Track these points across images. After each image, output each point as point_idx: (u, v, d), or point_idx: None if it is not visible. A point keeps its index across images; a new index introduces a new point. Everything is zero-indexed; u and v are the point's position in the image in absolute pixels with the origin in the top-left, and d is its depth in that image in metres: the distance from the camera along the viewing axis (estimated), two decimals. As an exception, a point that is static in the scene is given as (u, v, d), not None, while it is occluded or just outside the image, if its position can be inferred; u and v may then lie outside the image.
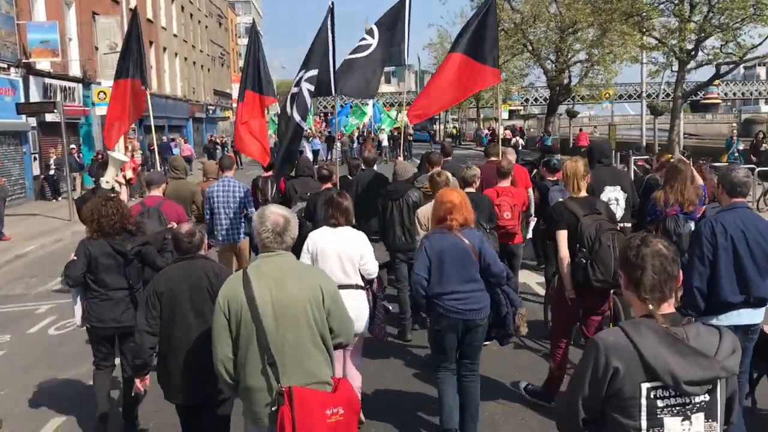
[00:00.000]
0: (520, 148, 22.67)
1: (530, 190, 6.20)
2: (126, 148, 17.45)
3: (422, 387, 4.38)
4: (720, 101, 56.63)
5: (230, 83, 41.54)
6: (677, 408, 1.66)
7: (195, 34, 33.97)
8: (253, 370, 2.32)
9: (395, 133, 26.08)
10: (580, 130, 28.20)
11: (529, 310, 4.56)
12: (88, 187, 13.69)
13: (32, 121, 16.05)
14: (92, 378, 3.93)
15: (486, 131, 35.19)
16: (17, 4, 15.70)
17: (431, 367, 4.01)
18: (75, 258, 3.68)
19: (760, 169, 11.13)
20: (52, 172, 16.20)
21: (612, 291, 3.82)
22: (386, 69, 6.76)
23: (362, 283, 3.68)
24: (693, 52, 15.02)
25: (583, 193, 3.79)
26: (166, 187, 5.31)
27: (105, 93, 14.93)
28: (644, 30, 15.74)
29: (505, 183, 5.53)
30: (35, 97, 16.03)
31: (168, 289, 2.99)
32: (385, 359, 4.90)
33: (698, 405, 1.66)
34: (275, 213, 2.41)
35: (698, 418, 1.66)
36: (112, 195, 4.11)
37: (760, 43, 14.44)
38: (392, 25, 6.06)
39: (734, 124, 31.16)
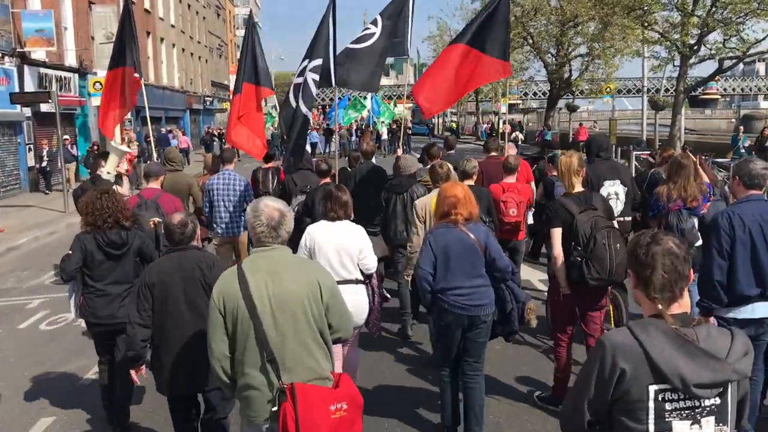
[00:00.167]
0: (520, 142, 22.60)
1: (532, 183, 6.16)
2: (122, 139, 17.30)
3: (422, 383, 4.33)
4: (719, 97, 56.60)
5: (228, 75, 41.30)
6: (686, 411, 1.60)
7: (193, 24, 33.70)
8: (252, 368, 2.26)
9: (394, 126, 25.95)
10: (580, 124, 28.12)
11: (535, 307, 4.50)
12: (84, 179, 13.58)
13: (27, 112, 15.89)
14: (98, 373, 3.94)
15: (485, 125, 35.10)
16: (12, -8, 15.52)
17: (433, 366, 3.96)
18: (70, 252, 3.63)
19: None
20: (44, 164, 16.03)
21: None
22: (387, 60, 6.61)
23: (362, 278, 3.63)
24: (695, 47, 14.93)
25: (578, 189, 3.73)
26: (164, 179, 5.26)
27: (101, 83, 14.73)
28: (646, 24, 15.63)
29: (511, 179, 5.47)
30: (30, 87, 15.86)
31: (160, 280, 2.93)
32: (384, 354, 4.85)
33: (708, 409, 1.61)
34: (270, 207, 2.34)
35: (708, 422, 1.61)
36: (111, 188, 4.03)
37: (764, 38, 14.34)
38: (395, 15, 5.94)
39: (733, 120, 31.15)
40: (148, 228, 4.32)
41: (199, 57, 35.24)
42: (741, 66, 21.78)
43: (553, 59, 24.10)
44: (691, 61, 15.34)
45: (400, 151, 8.73)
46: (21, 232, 10.75)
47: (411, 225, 5.05)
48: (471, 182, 5.04)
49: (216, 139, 25.53)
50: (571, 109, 30.63)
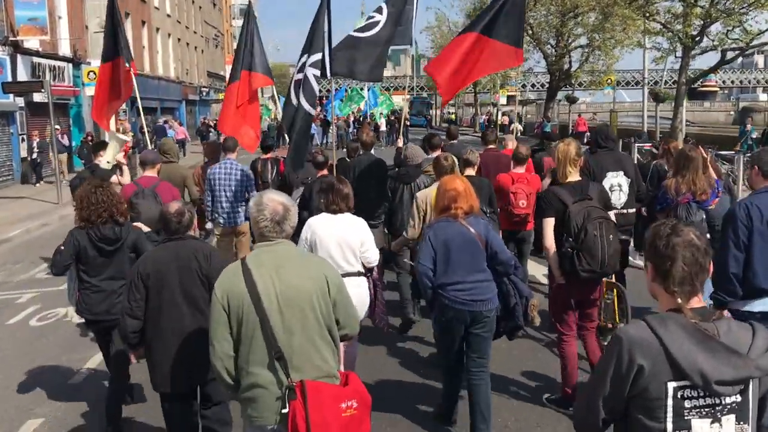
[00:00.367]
0: (519, 134, 22.46)
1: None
2: (117, 129, 17.13)
3: (423, 378, 4.27)
4: (717, 89, 56.55)
5: (224, 65, 40.96)
6: (706, 409, 1.55)
7: (189, 14, 33.36)
8: (259, 366, 2.17)
9: (392, 118, 25.81)
10: (579, 116, 28.07)
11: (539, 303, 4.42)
12: (79, 169, 13.40)
13: (20, 101, 15.70)
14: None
15: (483, 117, 34.96)
16: (4, -21, 15.26)
17: (435, 365, 3.90)
18: (63, 247, 3.56)
19: None
20: (34, 155, 15.73)
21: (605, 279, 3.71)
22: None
23: (363, 270, 3.59)
24: (698, 38, 14.81)
25: (574, 178, 3.65)
26: (160, 168, 5.18)
27: (95, 73, 14.56)
28: (648, 14, 15.50)
29: (520, 169, 5.40)
30: (23, 76, 15.66)
31: (155, 270, 2.85)
32: (384, 348, 4.79)
33: (729, 406, 1.55)
34: (274, 200, 2.26)
35: (729, 420, 1.55)
36: (106, 180, 3.94)
37: (767, 29, 14.22)
38: (401, 2, 5.82)
39: (732, 113, 31.13)
40: (146, 216, 4.24)
41: (195, 47, 34.92)
42: (739, 58, 21.66)
43: (553, 50, 23.95)
44: (694, 52, 15.24)
45: (400, 142, 8.64)
46: (12, 224, 10.59)
47: None
48: (472, 172, 5.00)
49: (212, 130, 25.35)
50: (571, 100, 30.51)
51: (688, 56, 15.34)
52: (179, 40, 31.03)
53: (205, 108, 36.80)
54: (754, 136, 14.50)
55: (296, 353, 2.18)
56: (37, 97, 15.44)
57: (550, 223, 3.54)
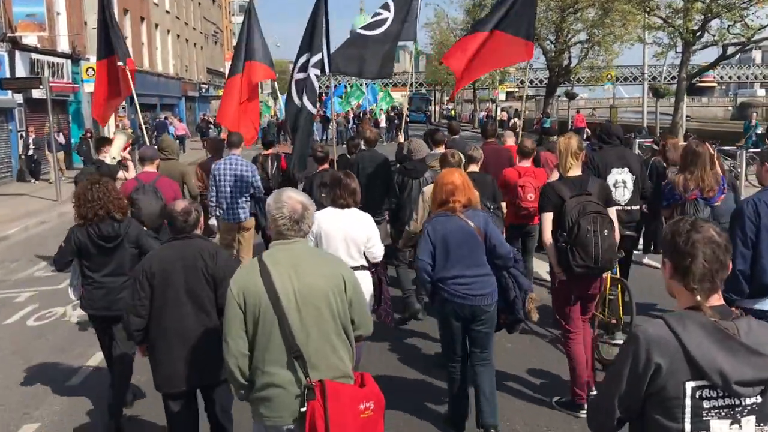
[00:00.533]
0: (518, 130, 22.41)
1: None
2: (116, 126, 17.07)
3: (428, 375, 4.24)
4: (716, 85, 56.51)
5: (224, 62, 40.78)
6: (725, 410, 1.51)
7: (188, 10, 33.19)
8: (275, 366, 2.14)
9: (392, 114, 25.74)
10: (577, 111, 27.99)
11: (540, 298, 4.40)
12: (79, 166, 13.35)
13: (18, 98, 15.61)
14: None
15: (482, 113, 34.88)
16: (1, -25, 15.14)
17: (440, 365, 3.87)
18: (63, 245, 3.55)
19: None
20: (30, 152, 15.56)
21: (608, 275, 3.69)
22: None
23: (366, 264, 3.58)
24: (699, 33, 14.76)
25: (576, 172, 3.60)
26: (159, 163, 5.13)
27: (94, 69, 14.47)
28: (648, 9, 15.44)
29: (526, 163, 5.35)
30: (21, 72, 15.57)
31: (161, 269, 2.81)
32: (389, 345, 4.75)
33: (749, 407, 1.51)
34: (293, 199, 2.23)
35: (749, 421, 1.52)
36: (103, 177, 3.89)
37: (768, 25, 14.18)
38: None
39: (730, 108, 31.10)
40: (147, 211, 4.21)
41: (195, 43, 34.76)
42: (737, 54, 21.66)
43: (552, 46, 23.87)
44: (694, 47, 15.18)
45: (401, 138, 8.60)
46: (10, 222, 10.50)
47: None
48: (476, 168, 4.96)
49: (212, 127, 25.28)
50: (571, 96, 30.43)
51: (689, 51, 15.30)
52: (178, 36, 30.88)
53: (205, 104, 36.67)
54: (759, 131, 14.32)
55: (313, 352, 2.15)
56: (36, 94, 15.34)
57: (548, 218, 3.50)
